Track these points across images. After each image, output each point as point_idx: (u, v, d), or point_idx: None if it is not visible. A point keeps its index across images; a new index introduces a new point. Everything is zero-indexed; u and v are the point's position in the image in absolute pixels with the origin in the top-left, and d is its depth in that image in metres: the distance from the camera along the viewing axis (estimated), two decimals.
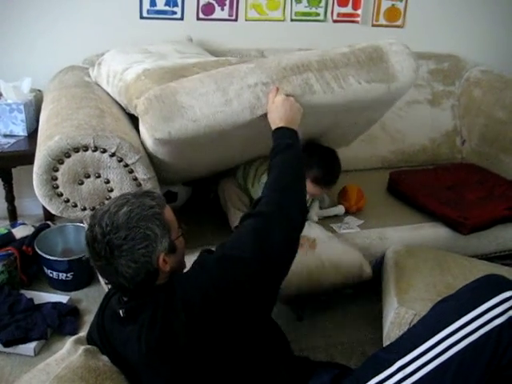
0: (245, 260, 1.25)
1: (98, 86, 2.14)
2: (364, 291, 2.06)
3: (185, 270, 1.38)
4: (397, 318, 1.71)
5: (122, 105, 1.93)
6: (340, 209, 2.32)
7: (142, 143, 1.71)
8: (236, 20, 2.81)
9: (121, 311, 1.30)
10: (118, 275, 1.23)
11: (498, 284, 1.34)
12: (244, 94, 1.59)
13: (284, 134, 1.51)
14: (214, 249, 1.36)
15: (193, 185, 2.32)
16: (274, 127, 1.54)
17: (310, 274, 1.89)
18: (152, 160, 1.72)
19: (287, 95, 1.59)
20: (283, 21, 2.89)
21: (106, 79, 2.04)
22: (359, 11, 2.97)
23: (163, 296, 1.26)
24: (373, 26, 3.04)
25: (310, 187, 1.98)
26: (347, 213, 2.36)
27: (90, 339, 1.48)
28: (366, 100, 1.77)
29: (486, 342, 1.24)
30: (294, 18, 2.89)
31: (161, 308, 1.24)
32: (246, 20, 2.82)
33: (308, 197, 2.05)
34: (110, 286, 1.82)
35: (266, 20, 2.86)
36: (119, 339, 1.35)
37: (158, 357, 1.24)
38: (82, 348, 1.39)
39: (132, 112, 1.83)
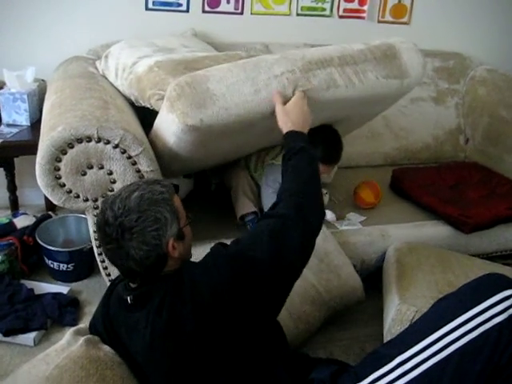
0: (259, 261, 1.25)
1: (105, 78, 2.14)
2: (364, 288, 2.06)
3: (196, 260, 1.38)
4: (398, 314, 1.72)
5: (132, 98, 1.93)
6: (331, 215, 2.28)
7: (156, 134, 1.72)
8: (242, 13, 2.80)
9: (128, 298, 1.31)
10: (128, 258, 1.24)
11: (498, 282, 1.34)
12: (272, 84, 1.62)
13: (296, 138, 1.51)
14: (228, 242, 1.37)
15: (194, 177, 2.33)
16: (285, 130, 1.55)
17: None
18: (162, 151, 1.74)
19: (300, 93, 1.61)
20: (289, 15, 2.87)
21: (115, 72, 2.04)
22: (365, 7, 2.95)
23: (172, 284, 1.27)
24: (379, 22, 3.03)
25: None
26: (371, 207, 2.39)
27: (93, 329, 1.48)
28: (381, 94, 1.84)
29: (485, 339, 1.24)
30: (299, 12, 2.88)
31: (169, 296, 1.24)
32: (251, 14, 2.81)
33: None
34: (111, 278, 1.84)
35: (271, 14, 2.85)
36: (125, 326, 1.35)
37: (161, 345, 1.25)
38: (82, 338, 1.39)
39: (143, 104, 1.84)
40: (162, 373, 1.30)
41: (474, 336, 1.25)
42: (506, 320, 1.25)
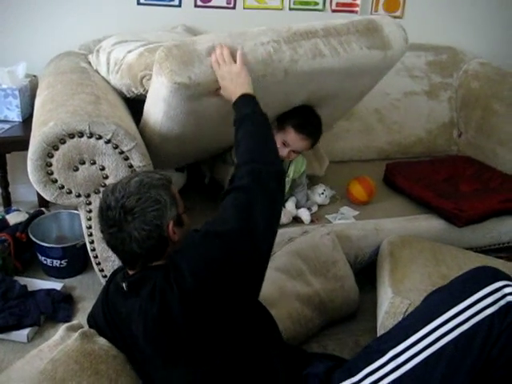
0: (229, 234, 1.26)
1: (97, 72, 2.13)
2: (358, 282, 2.06)
3: None
4: (391, 307, 1.72)
5: (124, 89, 1.92)
6: (306, 216, 2.23)
7: (147, 116, 1.75)
8: (234, 8, 2.79)
9: (124, 284, 1.34)
10: (131, 240, 1.28)
11: (489, 275, 1.36)
12: (258, 50, 1.64)
13: (243, 104, 1.50)
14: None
15: (187, 171, 2.33)
16: (234, 98, 1.53)
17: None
18: (152, 134, 1.77)
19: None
20: (282, 9, 2.87)
21: (106, 67, 2.03)
22: (358, 1, 2.95)
23: (161, 271, 1.29)
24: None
25: (294, 137, 2.03)
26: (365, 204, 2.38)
27: (91, 320, 1.50)
28: (366, 65, 1.89)
29: (477, 331, 1.26)
30: (292, 6, 2.87)
31: (158, 283, 1.26)
32: (244, 8, 2.80)
33: (290, 155, 2.10)
34: (104, 274, 1.84)
35: (264, 9, 2.84)
36: (123, 313, 1.36)
37: (154, 331, 1.26)
38: (78, 332, 1.39)
39: (136, 91, 1.85)
40: (160, 358, 1.30)
41: (465, 328, 1.27)
42: (496, 312, 1.27)
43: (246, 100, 1.51)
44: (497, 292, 1.29)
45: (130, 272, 1.37)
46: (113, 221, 1.29)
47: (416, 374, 1.27)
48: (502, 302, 1.28)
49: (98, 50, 2.15)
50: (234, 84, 1.54)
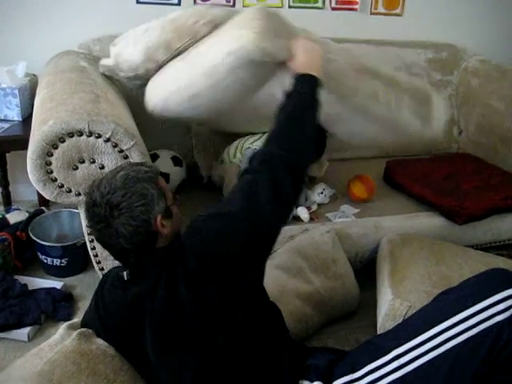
0: (232, 215, 1.27)
1: (110, 74, 2.12)
2: (358, 279, 2.06)
3: None
4: (391, 309, 1.71)
5: (160, 51, 1.86)
6: (305, 214, 2.22)
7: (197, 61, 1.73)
8: (233, 6, 2.78)
9: (125, 273, 1.33)
10: (118, 236, 1.26)
11: (503, 279, 1.31)
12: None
13: (307, 81, 1.48)
14: None
15: (187, 170, 2.33)
16: (301, 72, 1.51)
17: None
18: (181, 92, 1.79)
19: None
20: (281, 7, 2.86)
21: (133, 40, 1.96)
22: None
23: (166, 255, 1.30)
24: (371, 14, 3.02)
25: None
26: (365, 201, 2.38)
27: (84, 326, 1.48)
28: (402, 127, 1.96)
29: (484, 337, 1.23)
30: (292, 4, 2.87)
31: (165, 266, 1.27)
32: (243, 6, 2.79)
33: None
34: (104, 272, 1.84)
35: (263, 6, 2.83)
36: (122, 305, 1.36)
37: (162, 315, 1.27)
38: (75, 332, 1.39)
39: (177, 46, 1.82)
40: (164, 343, 1.30)
41: (473, 333, 1.24)
42: (507, 319, 1.23)
43: (313, 80, 1.48)
44: (509, 299, 1.25)
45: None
46: (99, 217, 1.26)
47: (418, 375, 1.26)
48: None
49: (114, 44, 2.09)
50: (310, 62, 1.53)
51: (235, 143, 2.31)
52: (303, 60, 1.53)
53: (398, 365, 1.28)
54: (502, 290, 1.27)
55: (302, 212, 2.18)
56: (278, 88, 1.65)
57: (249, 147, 2.21)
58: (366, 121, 1.91)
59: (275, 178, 1.30)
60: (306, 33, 1.74)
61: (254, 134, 2.30)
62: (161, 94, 1.88)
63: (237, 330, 1.30)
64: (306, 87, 1.46)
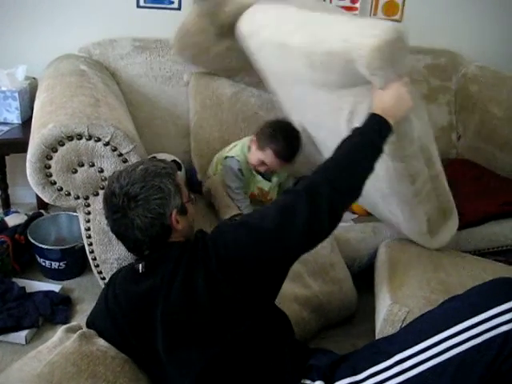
0: (263, 230, 1.29)
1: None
2: (357, 285, 2.06)
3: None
4: (390, 315, 1.70)
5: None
6: None
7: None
8: None
9: (140, 265, 1.36)
10: (133, 227, 1.31)
11: (508, 289, 1.30)
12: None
13: (378, 126, 1.42)
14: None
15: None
16: (378, 112, 1.44)
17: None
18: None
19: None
20: None
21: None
22: (357, 4, 2.96)
23: (185, 249, 1.33)
24: None
25: (273, 161, 2.08)
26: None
27: (90, 325, 1.49)
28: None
29: (488, 346, 1.22)
30: None
31: (184, 259, 1.31)
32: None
33: (267, 171, 2.16)
34: (102, 276, 1.84)
35: None
36: (134, 297, 1.36)
37: (178, 302, 1.29)
38: (76, 333, 1.39)
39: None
40: (174, 336, 1.31)
41: (477, 342, 1.23)
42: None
43: (387, 128, 1.43)
44: None
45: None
46: (116, 207, 1.32)
47: (420, 381, 1.25)
48: None
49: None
50: (394, 108, 1.44)
51: (215, 157, 2.32)
52: (389, 101, 1.44)
53: (400, 369, 1.27)
54: (508, 301, 1.26)
55: None
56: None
57: (226, 156, 2.21)
58: (386, 209, 1.93)
59: (314, 210, 1.30)
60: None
61: (230, 144, 2.31)
62: (254, 24, 1.81)
63: (245, 328, 1.31)
64: (377, 134, 1.41)
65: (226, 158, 2.21)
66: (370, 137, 1.41)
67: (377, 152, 1.41)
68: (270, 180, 2.23)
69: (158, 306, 1.31)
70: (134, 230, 1.32)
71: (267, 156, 2.07)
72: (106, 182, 1.41)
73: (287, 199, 1.34)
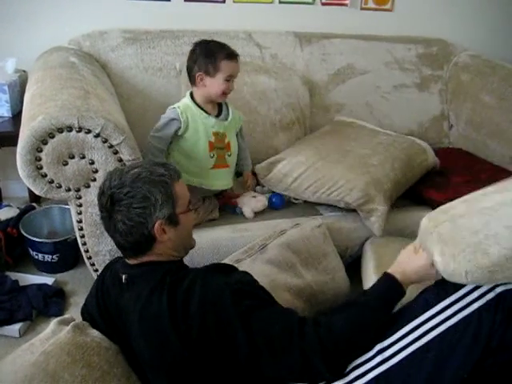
0: (250, 331, 1.22)
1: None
2: (348, 274, 2.07)
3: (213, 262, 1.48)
4: None
5: None
6: (249, 213, 2.18)
7: None
8: (224, 2, 2.78)
9: (123, 276, 1.35)
10: (115, 230, 1.30)
11: None
12: None
13: (391, 292, 1.37)
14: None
15: None
16: (394, 274, 1.39)
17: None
18: None
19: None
20: (271, 3, 2.86)
21: None
22: None
23: (168, 275, 1.29)
24: (362, 9, 3.03)
25: (232, 66, 1.99)
26: None
27: (85, 312, 1.50)
28: None
29: (466, 325, 1.25)
30: (282, 0, 2.87)
31: (158, 290, 1.27)
32: (234, 2, 2.79)
33: (229, 88, 2.03)
34: (95, 268, 1.85)
35: (254, 2, 2.83)
36: (119, 304, 1.36)
37: (144, 331, 1.28)
38: (70, 324, 1.39)
39: None
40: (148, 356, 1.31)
41: (453, 322, 1.26)
42: (484, 305, 1.25)
43: (397, 294, 1.36)
44: (481, 287, 1.27)
45: (130, 262, 1.37)
46: (102, 207, 1.31)
47: (403, 367, 1.27)
48: (491, 295, 1.26)
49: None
50: (409, 269, 1.39)
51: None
52: (406, 270, 1.39)
53: (381, 359, 1.28)
54: None
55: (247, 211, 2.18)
56: None
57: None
58: None
59: (302, 357, 1.23)
60: None
61: None
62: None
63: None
64: (383, 302, 1.35)
65: (167, 110, 2.05)
66: (380, 306, 1.35)
67: (384, 319, 1.34)
68: (226, 119, 2.11)
69: (132, 324, 1.31)
70: (115, 233, 1.30)
71: (225, 69, 1.97)
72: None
73: (289, 328, 1.25)
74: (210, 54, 1.96)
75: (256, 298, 1.31)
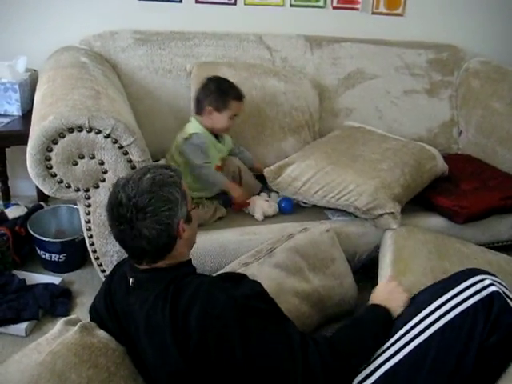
0: (249, 360, 1.23)
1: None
2: (356, 279, 2.06)
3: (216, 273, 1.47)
4: None
5: None
6: (260, 216, 2.22)
7: None
8: (235, 4, 2.78)
9: (131, 279, 1.35)
10: (141, 238, 1.27)
11: (470, 272, 1.42)
12: None
13: (378, 317, 1.43)
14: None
15: None
16: (376, 301, 1.48)
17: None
18: None
19: None
20: (282, 6, 2.86)
21: None
22: None
23: (171, 288, 1.29)
24: (373, 13, 3.02)
25: (239, 106, 2.20)
26: None
27: (93, 312, 1.50)
28: None
29: (463, 320, 1.30)
30: (293, 3, 2.87)
31: (162, 299, 1.27)
32: (244, 4, 2.79)
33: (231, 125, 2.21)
34: (103, 268, 1.84)
35: (265, 5, 2.83)
36: (125, 306, 1.36)
37: (148, 337, 1.28)
38: (77, 324, 1.39)
39: None
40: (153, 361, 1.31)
41: (450, 318, 1.31)
42: (480, 301, 1.31)
43: (386, 318, 1.42)
44: (477, 283, 1.35)
45: (139, 266, 1.36)
46: (124, 218, 1.27)
47: (406, 364, 1.30)
48: (484, 293, 1.32)
49: None
50: (387, 296, 1.49)
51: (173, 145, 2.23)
52: (382, 292, 1.52)
53: (383, 359, 1.32)
54: (469, 279, 1.37)
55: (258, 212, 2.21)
56: None
57: (191, 134, 2.15)
58: None
59: (307, 374, 1.25)
60: None
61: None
62: None
63: None
64: (375, 326, 1.40)
65: (191, 135, 2.14)
66: (376, 332, 1.39)
67: (371, 345, 1.38)
68: (224, 144, 2.30)
69: (138, 327, 1.31)
70: (141, 241, 1.28)
71: (232, 108, 2.15)
72: (111, 189, 1.35)
73: (294, 345, 1.26)
74: (222, 93, 2.15)
75: (260, 316, 1.29)
